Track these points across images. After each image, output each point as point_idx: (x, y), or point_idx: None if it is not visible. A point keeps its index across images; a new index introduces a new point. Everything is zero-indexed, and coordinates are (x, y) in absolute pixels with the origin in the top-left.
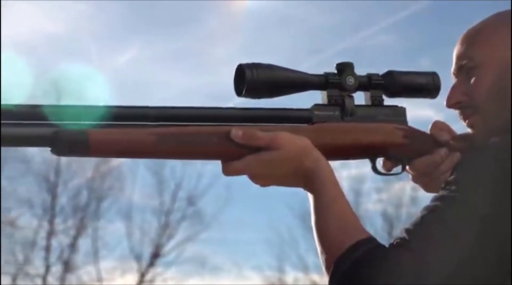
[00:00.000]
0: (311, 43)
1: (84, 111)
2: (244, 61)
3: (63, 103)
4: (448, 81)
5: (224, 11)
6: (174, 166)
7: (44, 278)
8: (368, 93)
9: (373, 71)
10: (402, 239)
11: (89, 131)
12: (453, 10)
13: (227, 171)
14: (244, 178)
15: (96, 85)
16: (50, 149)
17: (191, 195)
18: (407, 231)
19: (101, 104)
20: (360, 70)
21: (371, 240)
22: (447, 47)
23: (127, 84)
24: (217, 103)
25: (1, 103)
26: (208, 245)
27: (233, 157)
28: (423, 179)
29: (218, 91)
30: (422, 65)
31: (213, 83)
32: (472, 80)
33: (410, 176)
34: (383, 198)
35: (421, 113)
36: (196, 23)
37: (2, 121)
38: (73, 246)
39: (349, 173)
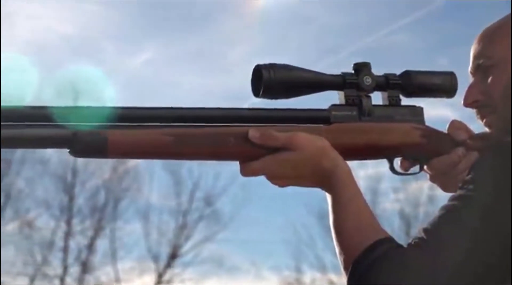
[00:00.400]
0: (326, 42)
1: (100, 112)
2: (260, 61)
3: (78, 104)
4: (465, 80)
5: (239, 12)
6: (191, 166)
7: (62, 279)
8: (386, 93)
9: (389, 70)
10: (419, 239)
11: (107, 132)
12: (470, 9)
13: (245, 172)
14: (262, 178)
15: (111, 87)
16: (68, 150)
17: (208, 195)
18: (425, 230)
19: (117, 105)
20: (377, 70)
21: (389, 240)
22: (464, 46)
23: (143, 86)
24: (233, 104)
25: (19, 105)
26: (225, 245)
27: (250, 157)
28: (441, 179)
29: (234, 92)
30: (439, 64)
31: (229, 83)
32: (489, 79)
33: (427, 175)
34: (400, 198)
35: (437, 112)
36: (211, 23)
37: (19, 123)
38: (90, 247)
39: (366, 172)
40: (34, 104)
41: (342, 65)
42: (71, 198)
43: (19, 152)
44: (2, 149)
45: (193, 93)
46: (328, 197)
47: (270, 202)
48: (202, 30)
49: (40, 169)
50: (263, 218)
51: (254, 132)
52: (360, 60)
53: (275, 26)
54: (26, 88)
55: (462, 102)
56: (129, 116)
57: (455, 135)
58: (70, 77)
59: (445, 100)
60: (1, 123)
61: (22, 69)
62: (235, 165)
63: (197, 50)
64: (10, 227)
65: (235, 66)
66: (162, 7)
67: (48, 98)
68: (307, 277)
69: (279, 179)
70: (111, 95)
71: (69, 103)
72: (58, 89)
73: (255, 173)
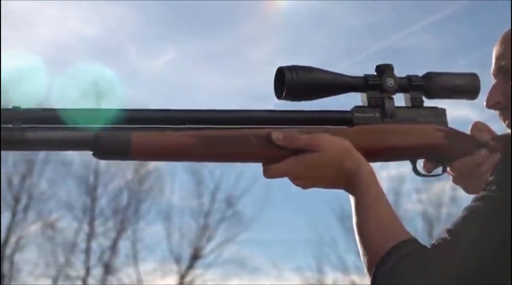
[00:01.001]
0: (348, 43)
1: (122, 114)
2: (281, 62)
3: (101, 106)
4: (488, 81)
5: (261, 12)
6: (212, 167)
7: (84, 280)
8: (408, 95)
9: (410, 71)
10: (443, 239)
11: (130, 134)
12: (492, 10)
13: (268, 174)
14: (283, 178)
15: (134, 87)
16: (91, 152)
17: (230, 196)
18: (448, 231)
19: (139, 107)
20: (397, 71)
21: (412, 241)
22: (486, 48)
23: (165, 86)
24: (255, 104)
25: (42, 107)
26: (247, 246)
27: (273, 159)
28: (464, 180)
29: (256, 92)
30: (460, 65)
31: (251, 84)
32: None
33: (450, 177)
34: (423, 199)
35: (459, 113)
36: (233, 24)
37: (42, 126)
38: (113, 248)
39: (388, 173)
40: (56, 105)
41: (363, 66)
42: (94, 200)
43: (41, 154)
44: (26, 151)
45: (215, 93)
46: (351, 198)
47: (291, 203)
48: (224, 30)
49: (62, 171)
50: (285, 219)
51: (277, 134)
52: (381, 61)
53: (296, 27)
54: (48, 89)
55: (484, 103)
56: (151, 118)
57: (478, 137)
58: (92, 79)
59: (467, 100)
60: (24, 126)
61: (44, 71)
62: (256, 166)
63: (219, 50)
64: (32, 229)
65: (257, 66)
66: (184, 8)
67: (71, 99)
68: (329, 278)
69: (302, 180)
70: (132, 96)
71: (91, 104)
72: (80, 90)
73: (278, 175)
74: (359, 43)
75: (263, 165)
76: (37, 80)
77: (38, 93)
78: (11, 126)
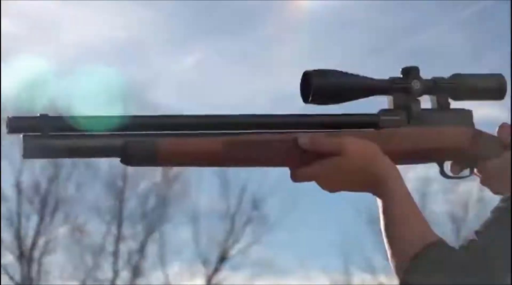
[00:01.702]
0: (373, 43)
1: (149, 120)
2: (308, 62)
3: (128, 111)
4: None
5: (288, 12)
6: (239, 170)
7: (112, 283)
8: (434, 97)
9: (436, 71)
10: (471, 241)
11: (158, 141)
12: None
13: (295, 178)
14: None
15: (159, 89)
16: (120, 159)
17: (256, 198)
18: (477, 233)
19: (165, 113)
20: (423, 71)
21: (440, 242)
22: None
23: (192, 88)
24: (280, 105)
25: (70, 114)
26: (274, 248)
27: (300, 163)
28: (492, 182)
29: (283, 92)
30: (486, 64)
31: (278, 84)
32: None
33: (478, 179)
34: (450, 199)
35: (484, 112)
36: (259, 25)
37: (71, 133)
38: (141, 251)
39: (415, 174)
40: (84, 110)
41: (389, 66)
42: (122, 203)
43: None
44: (52, 159)
45: (242, 94)
46: (379, 201)
47: (318, 204)
48: (251, 31)
49: (90, 174)
50: (312, 220)
51: (303, 138)
52: (407, 61)
53: (323, 27)
54: (75, 93)
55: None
56: (176, 124)
57: (505, 138)
58: (119, 81)
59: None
60: (52, 133)
61: (71, 75)
62: (282, 168)
63: (245, 51)
64: (61, 231)
65: (283, 67)
66: (209, 9)
67: (96, 102)
68: (357, 278)
69: (330, 184)
70: (157, 98)
71: (116, 107)
72: (105, 93)
73: (305, 179)
74: (385, 43)
75: (291, 170)
76: (61, 83)
77: (62, 96)
78: (39, 134)
